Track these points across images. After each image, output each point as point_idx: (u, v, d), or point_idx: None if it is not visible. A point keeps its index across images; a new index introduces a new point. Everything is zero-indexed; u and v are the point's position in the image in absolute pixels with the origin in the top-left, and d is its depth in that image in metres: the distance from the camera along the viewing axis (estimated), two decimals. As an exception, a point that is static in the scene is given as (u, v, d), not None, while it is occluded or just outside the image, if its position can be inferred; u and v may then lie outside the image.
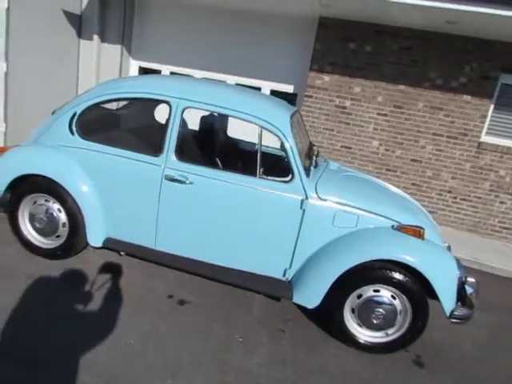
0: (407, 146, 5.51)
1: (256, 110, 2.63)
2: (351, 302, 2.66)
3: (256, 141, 2.71)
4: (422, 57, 5.21)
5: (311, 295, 2.64)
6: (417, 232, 2.62)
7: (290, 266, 2.77)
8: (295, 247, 2.71)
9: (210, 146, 3.10)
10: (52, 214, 2.93)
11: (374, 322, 2.63)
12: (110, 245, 2.95)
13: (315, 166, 2.97)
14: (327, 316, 2.73)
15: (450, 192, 5.49)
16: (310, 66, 5.54)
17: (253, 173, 2.65)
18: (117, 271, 3.09)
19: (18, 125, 5.19)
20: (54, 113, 3.02)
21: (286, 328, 2.83)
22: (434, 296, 2.50)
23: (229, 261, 2.81)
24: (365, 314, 2.64)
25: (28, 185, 2.91)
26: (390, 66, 5.32)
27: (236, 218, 2.71)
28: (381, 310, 2.60)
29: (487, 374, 2.72)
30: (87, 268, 3.05)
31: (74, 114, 2.84)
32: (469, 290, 2.79)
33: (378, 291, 2.61)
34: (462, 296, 2.70)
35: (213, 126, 3.36)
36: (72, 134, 2.85)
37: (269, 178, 2.65)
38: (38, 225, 2.97)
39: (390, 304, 2.59)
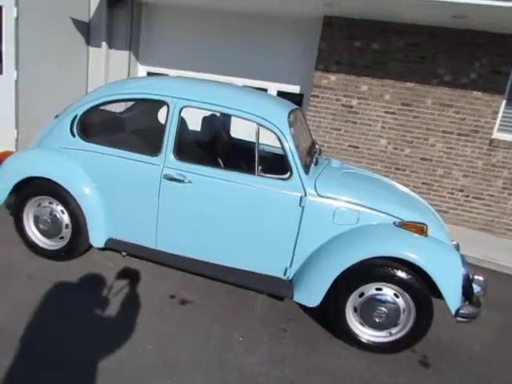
0: (416, 145, 5.41)
1: (253, 108, 2.62)
2: (353, 300, 2.61)
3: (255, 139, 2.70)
4: (429, 53, 5.12)
5: (312, 294, 2.60)
6: (419, 228, 2.55)
7: (291, 265, 2.73)
8: (295, 245, 2.68)
9: (209, 144, 3.10)
10: (55, 215, 2.98)
11: (377, 320, 2.57)
12: (112, 245, 2.97)
13: (315, 164, 2.94)
14: (329, 315, 2.68)
15: (461, 190, 5.36)
16: (315, 65, 5.51)
17: (251, 171, 2.64)
18: (119, 272, 3.11)
19: (30, 131, 5.31)
20: (56, 117, 3.07)
21: (287, 327, 2.79)
22: (439, 294, 2.43)
23: (229, 260, 2.80)
24: (367, 313, 2.58)
25: (32, 187, 2.96)
26: (397, 64, 5.25)
27: (235, 216, 2.69)
28: (383, 308, 2.54)
29: (494, 375, 2.62)
30: (90, 269, 3.08)
31: (75, 117, 2.88)
32: (476, 288, 2.71)
33: (380, 289, 2.55)
34: (468, 294, 2.62)
35: (213, 125, 3.37)
36: (73, 136, 2.89)
37: (267, 175, 2.63)
38: (42, 226, 3.02)
39: (393, 302, 2.53)
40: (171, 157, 2.70)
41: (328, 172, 2.91)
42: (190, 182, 2.68)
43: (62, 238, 3.04)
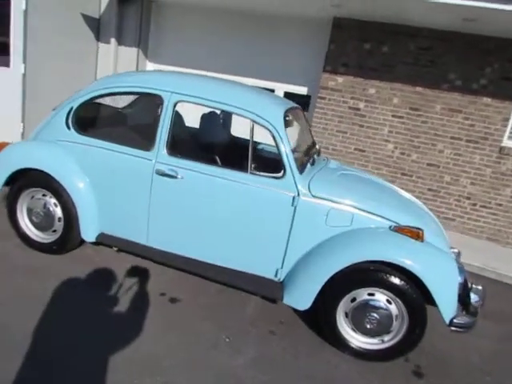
0: (424, 150, 5.29)
1: (247, 104, 2.57)
2: (344, 305, 2.52)
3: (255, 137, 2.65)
4: (440, 57, 5.01)
5: (301, 297, 2.53)
6: (415, 233, 2.47)
7: (282, 266, 2.67)
8: (287, 246, 2.62)
9: (204, 141, 3.06)
10: (48, 208, 2.97)
11: (368, 327, 2.48)
12: (103, 240, 2.94)
13: (312, 164, 2.87)
14: (319, 319, 2.60)
15: (468, 198, 5.22)
16: (323, 67, 5.44)
17: (244, 168, 2.59)
18: (110, 267, 3.08)
19: (36, 125, 5.34)
20: (54, 109, 3.07)
21: (277, 330, 2.72)
22: (434, 302, 2.34)
23: (219, 259, 2.75)
24: (358, 319, 2.50)
25: (26, 179, 2.96)
26: (406, 67, 5.15)
27: (226, 214, 2.64)
28: (375, 314, 2.45)
29: (492, 389, 2.52)
30: (79, 263, 3.06)
31: (71, 109, 2.87)
32: (474, 297, 2.60)
33: (372, 295, 2.47)
34: (465, 303, 2.53)
35: (211, 122, 3.33)
36: (68, 128, 2.88)
37: (260, 173, 2.58)
38: (35, 219, 3.02)
39: (385, 309, 2.44)
40: (164, 152, 2.67)
41: (324, 173, 2.84)
42: (181, 177, 2.64)
43: (54, 231, 3.03)
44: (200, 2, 5.84)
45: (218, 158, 2.81)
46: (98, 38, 6.17)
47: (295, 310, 2.87)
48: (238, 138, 3.66)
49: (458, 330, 2.38)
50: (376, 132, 5.41)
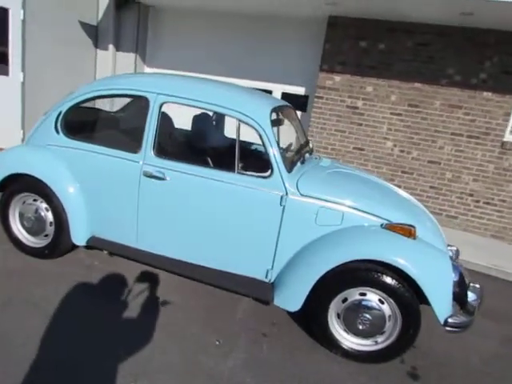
0: (424, 147, 5.20)
1: (233, 103, 2.54)
2: (336, 306, 2.47)
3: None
4: (438, 53, 4.93)
5: (292, 298, 2.48)
6: (407, 231, 2.40)
7: (272, 267, 2.62)
8: (276, 246, 2.57)
9: (193, 142, 3.03)
10: (40, 213, 2.97)
11: (360, 327, 2.42)
12: (94, 243, 2.93)
13: (302, 163, 2.82)
14: (311, 320, 2.55)
15: (471, 195, 5.11)
16: (319, 66, 5.40)
17: (231, 168, 2.55)
18: (102, 271, 3.07)
19: (35, 131, 5.41)
20: (45, 114, 3.08)
21: (269, 332, 2.67)
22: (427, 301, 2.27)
23: (208, 260, 2.71)
24: (350, 320, 2.44)
25: (17, 184, 2.96)
26: (404, 64, 5.08)
27: (214, 215, 2.61)
28: (367, 315, 2.39)
29: (490, 391, 2.43)
30: (73, 268, 3.05)
31: (60, 114, 2.88)
32: (472, 296, 2.53)
33: (364, 295, 2.40)
34: (462, 302, 2.45)
35: (202, 124, 3.30)
36: (57, 132, 2.88)
37: (247, 173, 2.54)
38: (26, 224, 3.02)
39: (378, 309, 2.38)
40: (151, 153, 2.65)
41: (314, 171, 2.79)
42: (168, 179, 2.62)
43: (46, 235, 3.03)
44: (196, 6, 5.84)
45: (205, 158, 2.78)
46: (96, 45, 6.22)
47: (288, 312, 2.82)
48: (226, 138, 3.63)
49: (454, 329, 2.30)
50: (375, 130, 5.34)
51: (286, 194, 2.49)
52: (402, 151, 5.30)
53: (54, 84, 5.60)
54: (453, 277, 2.30)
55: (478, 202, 5.10)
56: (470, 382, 2.48)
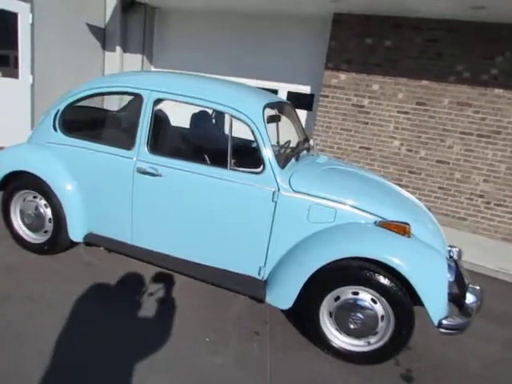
0: (432, 146, 5.08)
1: (225, 99, 2.53)
2: (328, 304, 2.42)
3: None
4: (447, 49, 4.82)
5: (283, 296, 2.44)
6: (401, 228, 2.33)
7: (265, 264, 2.58)
8: (269, 243, 2.53)
9: (184, 138, 3.03)
10: (39, 209, 3.01)
11: (352, 327, 2.36)
12: (91, 240, 2.96)
13: (297, 159, 2.79)
14: (302, 319, 2.51)
15: (481, 196, 4.96)
16: (325, 64, 5.35)
17: (224, 164, 2.54)
18: (101, 267, 3.09)
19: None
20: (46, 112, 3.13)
21: (261, 331, 2.64)
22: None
23: (201, 257, 2.70)
24: (342, 319, 2.38)
25: (17, 181, 3.02)
26: (411, 61, 4.99)
27: (206, 211, 2.59)
28: (359, 314, 2.33)
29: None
30: (72, 264, 3.08)
31: (57, 112, 2.92)
32: (470, 297, 2.44)
33: (356, 294, 2.35)
34: (460, 304, 2.37)
35: (200, 121, 3.30)
36: (55, 130, 2.92)
37: (240, 169, 2.52)
38: (27, 220, 3.07)
39: (370, 308, 2.32)
40: (144, 150, 2.65)
41: (308, 167, 2.75)
42: (161, 175, 2.62)
43: (46, 231, 3.07)
44: (201, 7, 5.88)
45: (198, 154, 2.78)
46: (104, 47, 6.32)
47: (282, 310, 2.79)
48: (221, 135, 3.61)
49: (448, 331, 2.22)
50: (381, 129, 5.25)
51: (278, 189, 2.46)
52: (409, 150, 5.19)
53: (63, 85, 5.69)
54: (448, 277, 2.22)
55: (488, 203, 4.95)
56: (467, 386, 2.40)
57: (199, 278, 2.75)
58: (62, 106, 2.92)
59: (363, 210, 2.44)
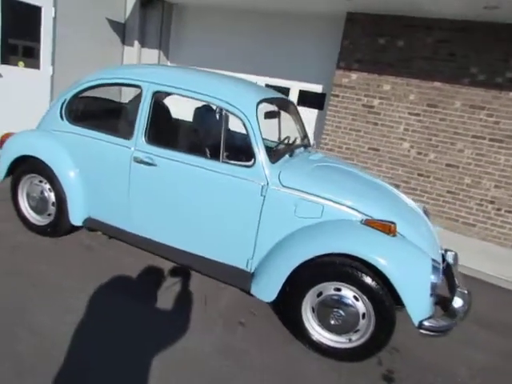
0: (442, 149, 4.99)
1: (219, 92, 2.58)
2: (311, 299, 2.43)
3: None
4: (460, 50, 4.72)
5: (266, 288, 2.48)
6: (386, 227, 2.32)
7: (253, 257, 2.63)
8: (257, 236, 2.57)
9: (182, 130, 3.09)
10: (44, 193, 3.15)
11: (332, 323, 2.37)
12: (90, 224, 3.07)
13: (291, 155, 2.81)
14: (285, 313, 2.54)
15: (492, 202, 4.83)
16: (336, 63, 5.33)
17: (216, 156, 2.59)
18: (99, 251, 3.21)
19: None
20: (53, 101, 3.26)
21: (247, 322, 2.68)
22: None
23: (192, 247, 2.76)
24: (324, 314, 2.40)
25: (25, 166, 3.17)
26: (423, 62, 4.90)
27: (198, 202, 2.66)
28: (340, 310, 2.34)
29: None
30: (72, 247, 3.21)
31: (64, 101, 3.05)
32: (459, 301, 2.41)
33: (339, 290, 2.36)
34: (445, 306, 2.35)
35: (202, 115, 3.36)
36: (62, 119, 3.05)
37: (231, 161, 2.57)
38: (32, 203, 3.22)
39: (351, 305, 2.32)
40: (142, 140, 2.74)
41: (300, 163, 2.77)
42: (156, 165, 2.70)
43: (49, 214, 3.21)
44: (217, 3, 5.95)
45: (194, 146, 2.84)
46: (123, 42, 6.49)
47: (271, 304, 2.83)
48: (219, 128, 3.65)
49: (429, 333, 2.20)
50: (391, 130, 5.19)
51: (267, 184, 2.49)
52: (418, 153, 5.11)
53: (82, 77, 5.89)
54: (431, 278, 2.19)
55: (499, 210, 4.82)
56: (449, 390, 2.37)
57: (191, 268, 2.82)
58: (68, 96, 3.04)
59: (351, 208, 2.45)
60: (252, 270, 2.66)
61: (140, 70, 2.89)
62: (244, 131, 2.55)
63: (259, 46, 6.10)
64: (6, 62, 5.00)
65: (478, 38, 4.59)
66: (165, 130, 2.97)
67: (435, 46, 4.81)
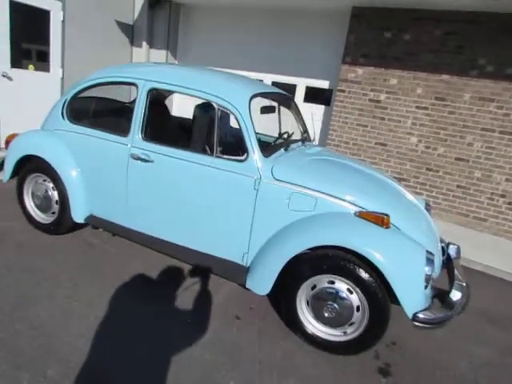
0: (451, 143, 4.88)
1: (212, 88, 2.60)
2: (305, 292, 2.43)
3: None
4: (468, 42, 4.61)
5: (261, 281, 2.48)
6: (379, 219, 2.29)
7: (248, 251, 2.63)
8: (251, 230, 2.58)
9: (177, 126, 3.12)
10: (47, 192, 3.24)
11: (327, 315, 2.36)
12: (92, 222, 3.14)
13: (286, 149, 2.81)
14: (280, 306, 2.53)
15: (503, 196, 4.70)
16: (342, 59, 5.28)
17: (211, 151, 2.61)
18: (102, 248, 3.28)
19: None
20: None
21: (243, 316, 2.69)
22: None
23: (189, 241, 2.79)
24: (318, 307, 2.38)
25: (29, 165, 3.26)
26: (431, 55, 4.81)
27: (194, 197, 2.68)
28: (334, 303, 2.33)
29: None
30: (75, 244, 3.29)
31: (65, 101, 3.12)
32: (457, 294, 2.36)
33: (333, 283, 2.34)
34: (442, 299, 2.31)
35: (199, 112, 3.39)
36: (63, 118, 3.13)
37: (224, 156, 2.58)
38: (37, 201, 3.31)
39: (346, 298, 2.30)
40: (138, 137, 2.78)
41: (295, 157, 2.76)
42: (152, 161, 2.74)
43: (53, 213, 3.30)
44: (224, 4, 5.99)
45: (189, 142, 2.86)
46: (132, 43, 6.59)
47: (270, 298, 2.84)
48: (213, 123, 3.67)
49: (424, 325, 2.16)
50: (398, 125, 5.11)
51: (260, 177, 2.49)
52: (427, 147, 5.02)
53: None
54: (425, 270, 2.15)
55: (510, 203, 4.68)
56: (447, 385, 2.32)
57: (188, 262, 2.84)
58: (69, 96, 3.12)
59: (344, 200, 2.43)
60: (248, 264, 2.67)
61: (136, 69, 2.93)
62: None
63: (266, 43, 6.10)
64: (16, 65, 5.15)
65: (487, 30, 4.47)
66: (161, 127, 3.01)
67: (443, 39, 4.71)
